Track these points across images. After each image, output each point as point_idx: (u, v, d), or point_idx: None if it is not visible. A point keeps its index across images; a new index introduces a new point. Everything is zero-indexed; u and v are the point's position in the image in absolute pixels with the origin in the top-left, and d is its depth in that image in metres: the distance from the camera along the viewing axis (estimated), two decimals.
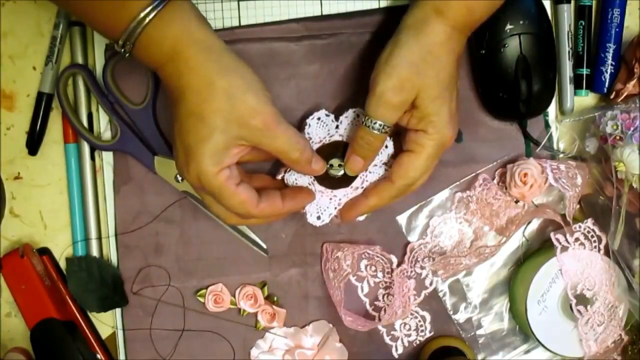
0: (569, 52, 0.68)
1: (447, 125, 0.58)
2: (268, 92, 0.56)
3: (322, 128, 0.62)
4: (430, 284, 0.70)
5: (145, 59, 0.55)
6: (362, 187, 0.62)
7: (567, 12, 0.68)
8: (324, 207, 0.63)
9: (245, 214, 0.57)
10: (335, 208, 0.63)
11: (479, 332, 0.71)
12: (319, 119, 0.62)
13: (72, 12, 0.57)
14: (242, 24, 0.68)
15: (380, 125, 0.57)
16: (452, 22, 0.57)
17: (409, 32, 0.58)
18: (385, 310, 0.69)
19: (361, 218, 0.65)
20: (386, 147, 0.62)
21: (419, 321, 0.70)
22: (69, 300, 0.70)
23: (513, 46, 0.64)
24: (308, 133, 0.62)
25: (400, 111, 0.57)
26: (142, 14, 0.52)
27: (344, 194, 0.62)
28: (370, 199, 0.61)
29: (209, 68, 0.54)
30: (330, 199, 0.62)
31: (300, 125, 0.65)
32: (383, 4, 0.68)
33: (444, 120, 0.58)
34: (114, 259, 0.70)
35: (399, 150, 0.61)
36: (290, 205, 0.60)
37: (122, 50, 0.54)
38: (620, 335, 0.68)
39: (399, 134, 0.62)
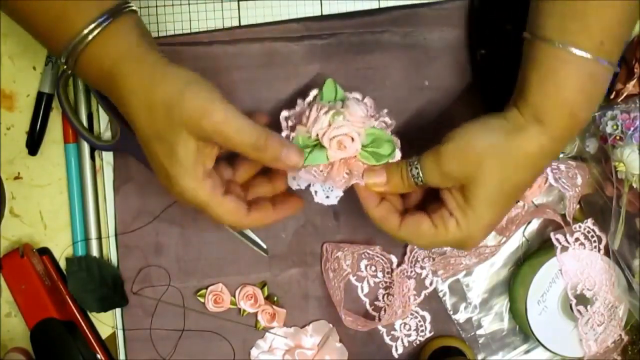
0: None
1: (480, 231, 0.54)
2: (214, 89, 0.53)
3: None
4: (430, 284, 0.70)
5: (86, 78, 0.54)
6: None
7: None
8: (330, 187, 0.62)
9: (236, 223, 0.56)
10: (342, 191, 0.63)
11: (479, 332, 0.71)
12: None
13: (17, 21, 0.54)
14: (242, 24, 0.68)
15: (417, 173, 0.55)
16: (552, 132, 0.52)
17: (502, 125, 0.53)
18: (385, 310, 0.69)
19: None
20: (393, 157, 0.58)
21: (419, 321, 0.70)
22: (69, 300, 0.70)
23: (513, 46, 0.64)
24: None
25: (442, 181, 0.54)
26: (85, 31, 0.50)
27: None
28: (376, 212, 0.59)
29: (145, 83, 0.51)
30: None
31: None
32: (383, 4, 0.68)
33: (481, 224, 0.54)
34: (114, 259, 0.70)
35: (427, 196, 0.59)
36: (282, 212, 0.58)
37: (65, 67, 0.52)
38: (620, 335, 0.68)
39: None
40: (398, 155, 0.57)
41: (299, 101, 0.59)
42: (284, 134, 0.58)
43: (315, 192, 0.63)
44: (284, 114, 0.59)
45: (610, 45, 0.52)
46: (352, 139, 0.55)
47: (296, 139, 0.56)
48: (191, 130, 0.51)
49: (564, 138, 0.54)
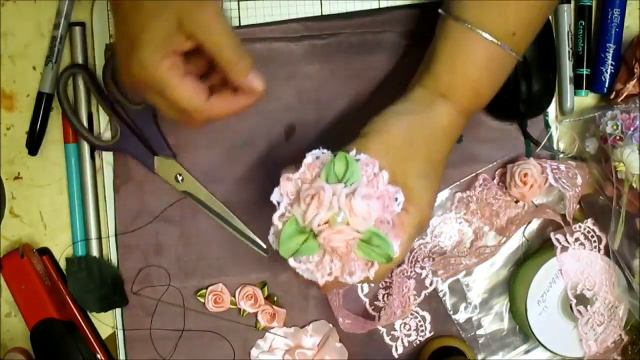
0: (569, 52, 0.68)
1: (428, 206, 0.55)
2: None
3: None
4: (430, 284, 0.70)
5: None
6: None
7: (567, 12, 0.68)
8: None
9: (194, 109, 0.54)
10: None
11: (479, 332, 0.71)
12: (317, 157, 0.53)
13: None
14: (242, 24, 0.68)
15: None
16: (459, 107, 0.56)
17: (411, 108, 0.56)
18: (385, 310, 0.69)
19: None
20: (396, 199, 0.52)
21: (419, 321, 0.70)
22: (69, 300, 0.70)
23: None
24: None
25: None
26: None
27: None
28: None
29: None
30: None
31: (298, 125, 0.65)
32: (383, 4, 0.68)
33: (426, 199, 0.55)
34: (114, 259, 0.70)
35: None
36: (243, 99, 0.55)
37: None
38: (620, 335, 0.68)
39: None
40: (397, 247, 0.52)
41: (288, 176, 0.52)
42: (279, 212, 0.52)
43: None
44: (277, 214, 0.52)
45: (521, 37, 0.56)
46: (348, 245, 0.51)
47: (291, 220, 0.51)
48: (179, 14, 0.51)
49: (468, 113, 0.57)
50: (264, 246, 0.69)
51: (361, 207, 0.50)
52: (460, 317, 0.70)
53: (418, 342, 0.70)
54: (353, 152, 0.52)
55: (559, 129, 0.69)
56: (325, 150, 0.52)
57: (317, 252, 0.52)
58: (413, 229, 0.54)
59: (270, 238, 0.53)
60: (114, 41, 0.55)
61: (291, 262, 0.52)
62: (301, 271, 0.52)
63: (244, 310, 0.70)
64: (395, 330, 0.71)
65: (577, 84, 0.69)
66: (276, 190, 0.52)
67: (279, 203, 0.52)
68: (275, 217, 0.52)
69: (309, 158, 0.52)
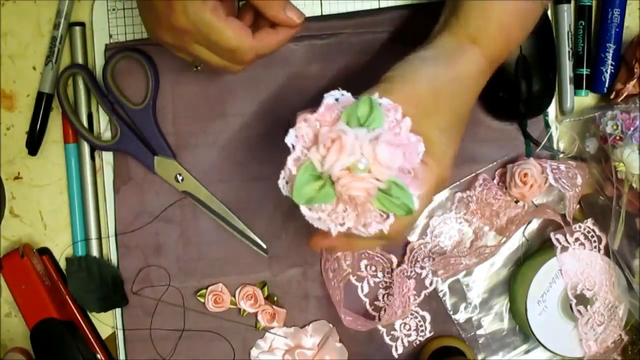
0: (569, 52, 0.68)
1: (449, 164, 0.52)
2: None
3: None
4: (430, 284, 0.70)
5: None
6: None
7: (567, 12, 0.68)
8: None
9: (243, 47, 0.54)
10: None
11: (479, 332, 0.71)
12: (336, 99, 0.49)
13: None
14: None
15: None
16: (488, 53, 0.53)
17: (438, 52, 0.53)
18: (385, 310, 0.69)
19: None
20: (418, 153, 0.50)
21: (419, 321, 0.70)
22: (69, 300, 0.70)
23: None
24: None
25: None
26: None
27: None
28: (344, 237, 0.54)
29: None
30: None
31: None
32: (383, 4, 0.68)
33: (447, 156, 0.52)
34: (114, 259, 0.70)
35: None
36: (284, 32, 0.56)
37: None
38: (620, 335, 0.68)
39: None
40: (416, 205, 0.48)
41: (306, 117, 0.48)
42: (294, 155, 0.48)
43: None
44: (293, 156, 0.48)
45: None
46: (368, 195, 0.47)
47: (307, 165, 0.47)
48: None
49: (496, 60, 0.55)
50: (264, 246, 0.69)
51: (385, 155, 0.46)
52: (460, 317, 0.70)
53: (418, 342, 0.70)
54: (376, 96, 0.48)
55: (559, 129, 0.69)
56: (344, 92, 0.49)
57: (333, 200, 0.48)
58: (432, 184, 0.51)
59: (281, 183, 0.49)
60: (143, 2, 0.54)
61: (304, 210, 0.48)
62: (312, 220, 0.49)
63: (244, 310, 0.70)
64: (395, 330, 0.71)
65: (577, 84, 0.69)
66: (291, 131, 0.47)
67: (293, 146, 0.47)
68: (290, 161, 0.47)
69: (329, 99, 0.48)
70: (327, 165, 0.46)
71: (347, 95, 0.48)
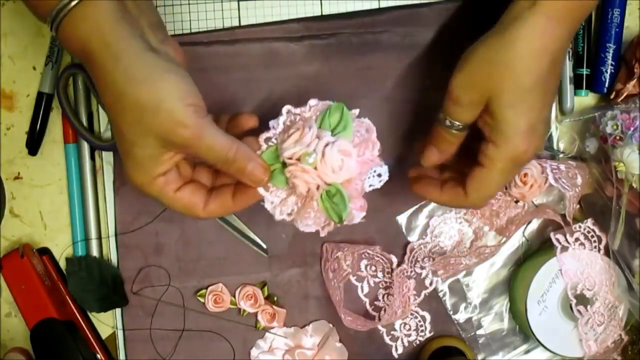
0: (569, 52, 0.68)
1: (522, 138, 0.51)
2: (196, 93, 0.51)
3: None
4: (430, 284, 0.70)
5: (65, 47, 0.51)
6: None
7: None
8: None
9: (192, 216, 0.54)
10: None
11: (479, 332, 0.71)
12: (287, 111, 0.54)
13: None
14: (242, 24, 0.68)
15: (451, 122, 0.53)
16: (547, 10, 0.49)
17: (495, 28, 0.51)
18: (385, 310, 0.69)
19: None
20: (379, 175, 0.54)
21: (419, 321, 0.70)
22: (69, 300, 0.70)
23: None
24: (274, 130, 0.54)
25: (472, 112, 0.52)
26: (54, 11, 0.48)
27: None
28: (443, 196, 0.57)
29: (116, 79, 0.49)
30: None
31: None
32: (383, 4, 0.68)
33: (518, 131, 0.51)
34: (114, 259, 0.70)
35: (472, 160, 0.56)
36: (242, 202, 0.54)
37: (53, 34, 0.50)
38: (620, 335, 0.68)
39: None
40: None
41: (290, 109, 0.54)
42: (265, 134, 0.54)
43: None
44: (265, 135, 0.53)
45: None
46: (308, 190, 0.52)
47: (265, 152, 0.53)
48: (159, 137, 0.50)
49: (565, 17, 0.50)
50: (264, 246, 0.69)
51: (333, 158, 0.51)
52: (460, 317, 0.70)
53: (418, 342, 0.70)
54: (355, 111, 0.53)
55: (559, 129, 0.69)
56: (331, 102, 0.53)
57: (285, 186, 0.53)
58: (503, 163, 0.52)
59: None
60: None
61: (260, 190, 0.53)
62: (265, 202, 0.53)
63: (244, 310, 0.70)
64: (395, 330, 0.71)
65: (577, 84, 0.69)
66: (276, 119, 0.53)
67: (273, 127, 0.53)
68: (261, 138, 0.53)
69: (314, 101, 0.53)
70: (283, 149, 0.52)
71: (332, 103, 0.53)
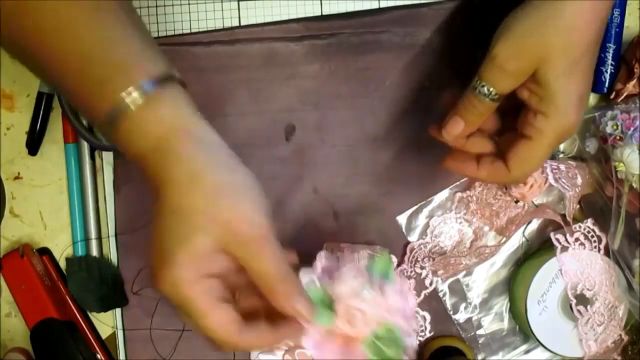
0: None
1: (574, 109, 0.49)
2: (267, 201, 0.46)
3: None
4: (430, 284, 0.70)
5: (126, 147, 0.46)
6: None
7: None
8: None
9: (222, 341, 0.47)
10: None
11: (479, 332, 0.71)
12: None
13: (57, 89, 0.47)
14: (242, 24, 0.68)
15: (488, 90, 0.51)
16: None
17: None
18: None
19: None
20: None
21: (419, 321, 0.70)
22: (69, 300, 0.70)
23: None
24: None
25: (515, 81, 0.50)
26: (126, 98, 0.44)
27: None
28: (481, 172, 0.55)
29: (199, 161, 0.45)
30: None
31: (298, 125, 0.64)
32: (383, 4, 0.68)
33: (569, 102, 0.49)
34: (114, 259, 0.70)
35: (512, 132, 0.54)
36: (282, 335, 0.49)
37: (105, 136, 0.46)
38: (620, 335, 0.68)
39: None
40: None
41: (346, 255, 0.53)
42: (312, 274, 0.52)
43: None
44: (319, 264, 0.53)
45: None
46: (366, 323, 0.49)
47: (309, 289, 0.49)
48: (226, 229, 0.44)
49: None
50: None
51: (394, 297, 0.51)
52: (460, 317, 0.70)
53: (418, 342, 0.70)
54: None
55: None
56: (377, 252, 0.56)
57: (327, 325, 0.50)
58: (553, 135, 0.51)
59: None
60: (149, 243, 0.46)
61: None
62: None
63: None
64: None
65: None
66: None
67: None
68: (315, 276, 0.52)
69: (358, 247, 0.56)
70: (336, 284, 0.51)
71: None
